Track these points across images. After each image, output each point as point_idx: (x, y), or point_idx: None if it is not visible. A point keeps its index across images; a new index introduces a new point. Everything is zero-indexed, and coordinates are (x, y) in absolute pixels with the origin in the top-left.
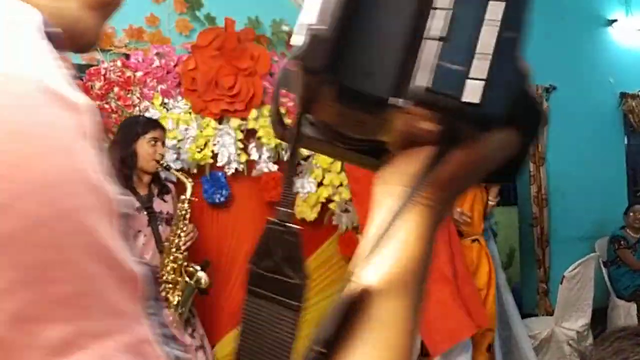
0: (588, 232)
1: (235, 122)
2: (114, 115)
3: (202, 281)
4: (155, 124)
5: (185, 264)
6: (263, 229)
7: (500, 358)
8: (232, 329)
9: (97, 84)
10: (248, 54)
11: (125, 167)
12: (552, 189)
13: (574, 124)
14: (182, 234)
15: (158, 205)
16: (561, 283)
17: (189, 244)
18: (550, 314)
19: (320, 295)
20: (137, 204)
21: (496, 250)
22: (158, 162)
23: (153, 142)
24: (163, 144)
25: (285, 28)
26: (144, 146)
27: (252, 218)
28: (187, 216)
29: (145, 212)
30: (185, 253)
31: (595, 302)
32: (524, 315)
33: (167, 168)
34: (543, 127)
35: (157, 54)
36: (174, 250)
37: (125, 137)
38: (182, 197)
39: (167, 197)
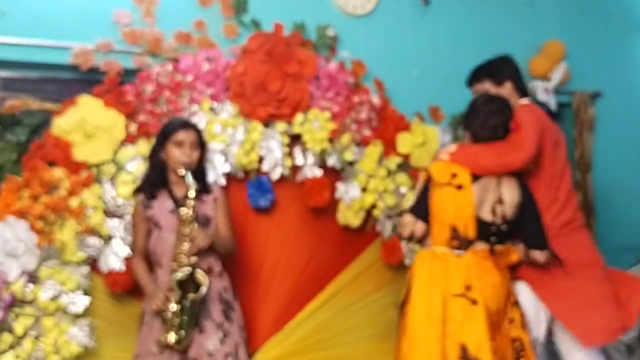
0: (635, 241)
1: (281, 126)
2: (164, 119)
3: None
4: (181, 126)
5: (179, 275)
6: (306, 234)
7: None
8: (274, 335)
9: (149, 88)
10: (295, 59)
11: (158, 170)
12: (598, 198)
13: (621, 130)
14: (187, 240)
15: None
16: None
17: (193, 250)
18: None
19: (363, 301)
20: (172, 206)
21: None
22: (184, 165)
23: (179, 145)
24: (194, 145)
25: (329, 33)
26: (171, 149)
27: (294, 223)
28: (191, 220)
29: (177, 214)
30: (193, 259)
31: None
32: None
33: (186, 170)
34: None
35: (207, 58)
36: (181, 256)
37: (157, 140)
38: (187, 201)
39: (207, 198)
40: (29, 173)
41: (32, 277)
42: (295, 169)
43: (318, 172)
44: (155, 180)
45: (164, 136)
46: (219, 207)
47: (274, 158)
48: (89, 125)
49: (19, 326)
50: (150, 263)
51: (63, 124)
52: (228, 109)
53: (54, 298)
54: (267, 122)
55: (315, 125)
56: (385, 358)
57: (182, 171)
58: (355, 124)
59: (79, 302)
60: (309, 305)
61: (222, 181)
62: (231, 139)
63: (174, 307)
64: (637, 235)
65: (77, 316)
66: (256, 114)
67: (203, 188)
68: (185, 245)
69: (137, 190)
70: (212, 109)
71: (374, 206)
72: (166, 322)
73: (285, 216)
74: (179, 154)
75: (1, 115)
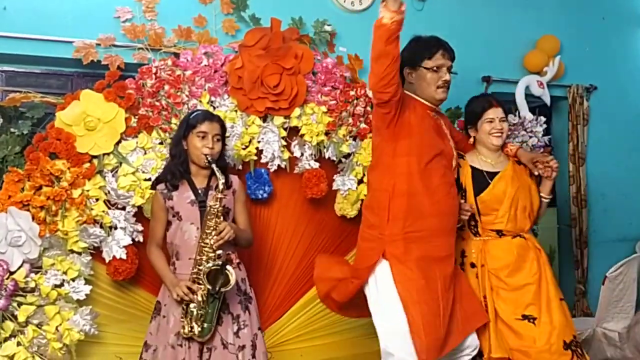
0: (628, 233)
1: (278, 119)
2: (164, 112)
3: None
4: (205, 117)
5: (210, 265)
6: (303, 224)
7: None
8: (273, 323)
9: (149, 82)
10: (292, 53)
11: (181, 161)
12: (591, 190)
13: (615, 124)
14: (214, 232)
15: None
16: (603, 283)
17: (220, 242)
18: (588, 315)
19: None
20: (192, 197)
21: None
22: (206, 156)
23: (202, 136)
24: (217, 137)
25: (327, 28)
26: (193, 140)
27: (293, 214)
28: (218, 213)
29: (197, 206)
30: (219, 252)
31: (638, 304)
32: None
33: (210, 163)
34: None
35: (205, 53)
36: (206, 249)
37: (179, 130)
38: (212, 193)
39: (227, 191)
40: (31, 165)
41: (35, 266)
42: (293, 160)
43: (315, 164)
44: (177, 171)
45: (187, 127)
46: (238, 200)
47: (271, 150)
48: (90, 118)
49: (21, 314)
50: (167, 255)
51: (65, 117)
52: (227, 103)
53: (56, 286)
54: (265, 116)
55: (312, 118)
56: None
57: (207, 163)
58: (352, 118)
59: (81, 290)
60: (307, 294)
61: None
62: (230, 132)
63: (199, 298)
64: (630, 227)
65: (79, 304)
66: (254, 107)
67: (225, 180)
68: (211, 238)
69: (158, 181)
70: (211, 103)
71: None
72: (188, 313)
73: (285, 207)
74: (201, 145)
75: (4, 108)
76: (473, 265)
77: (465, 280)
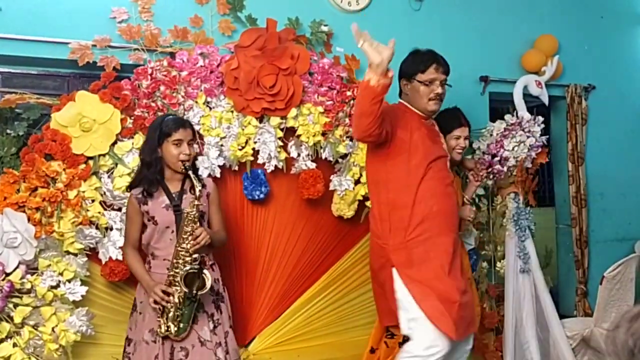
0: (627, 232)
1: (275, 120)
2: (160, 113)
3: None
4: (178, 125)
5: (188, 268)
6: (301, 225)
7: (538, 359)
8: (270, 324)
9: (145, 83)
10: (288, 54)
11: (155, 167)
12: (591, 189)
13: (614, 123)
14: (190, 237)
15: (188, 202)
16: (601, 283)
17: (196, 247)
18: (589, 315)
19: (359, 290)
20: (167, 202)
21: (534, 251)
22: (183, 162)
23: (177, 144)
24: (191, 143)
25: (324, 28)
26: (168, 148)
27: (290, 215)
28: (194, 219)
29: (172, 210)
30: (195, 256)
31: (636, 304)
32: (562, 316)
33: (187, 169)
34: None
35: (201, 54)
36: (183, 253)
37: (152, 138)
38: (188, 197)
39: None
40: (27, 166)
41: (31, 268)
42: (289, 161)
43: (311, 165)
44: (155, 179)
45: (161, 135)
46: (212, 202)
47: (268, 151)
48: (85, 120)
49: (17, 315)
50: (143, 253)
51: (60, 118)
52: (223, 104)
53: (52, 287)
54: (262, 116)
55: (309, 119)
56: None
57: (184, 169)
58: (349, 118)
59: (77, 291)
60: (304, 295)
61: (217, 174)
62: (226, 133)
63: (175, 300)
64: (629, 226)
65: (75, 305)
66: (250, 108)
67: (201, 187)
68: (188, 243)
69: (132, 186)
70: (207, 104)
71: (367, 198)
72: (164, 314)
73: (281, 208)
74: (177, 152)
75: (0, 110)
76: None
77: (472, 288)
